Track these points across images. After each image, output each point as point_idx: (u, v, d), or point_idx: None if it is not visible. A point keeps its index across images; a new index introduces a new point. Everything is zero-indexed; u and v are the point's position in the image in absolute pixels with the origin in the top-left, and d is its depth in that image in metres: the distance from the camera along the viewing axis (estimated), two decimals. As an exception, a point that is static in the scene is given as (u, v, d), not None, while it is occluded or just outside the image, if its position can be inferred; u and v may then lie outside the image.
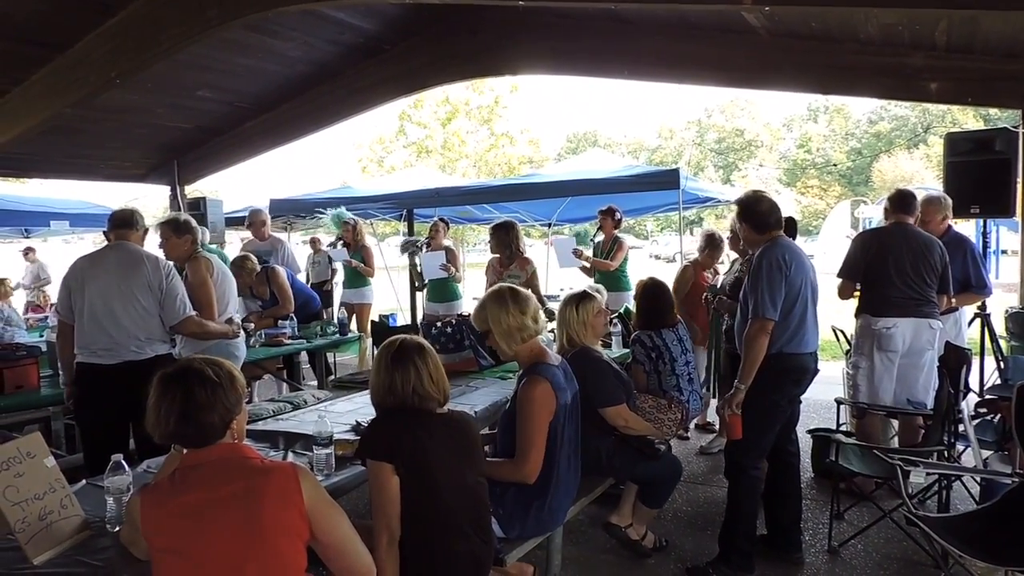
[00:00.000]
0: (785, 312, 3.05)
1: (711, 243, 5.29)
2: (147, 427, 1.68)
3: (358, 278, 7.41)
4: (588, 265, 6.03)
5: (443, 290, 6.64)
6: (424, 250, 6.46)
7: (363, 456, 2.05)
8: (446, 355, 4.01)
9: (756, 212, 3.19)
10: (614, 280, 6.11)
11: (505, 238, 5.25)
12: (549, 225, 10.87)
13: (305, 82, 6.43)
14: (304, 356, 6.07)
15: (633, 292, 4.75)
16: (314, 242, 8.54)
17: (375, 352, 2.23)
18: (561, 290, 7.40)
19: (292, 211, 8.83)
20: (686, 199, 7.33)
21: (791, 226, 3.36)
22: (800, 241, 3.38)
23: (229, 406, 1.69)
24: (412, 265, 6.65)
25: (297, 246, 9.46)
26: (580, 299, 3.32)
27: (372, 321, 6.76)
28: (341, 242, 7.30)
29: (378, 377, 2.10)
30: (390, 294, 9.60)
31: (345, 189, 9.82)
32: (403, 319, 9.38)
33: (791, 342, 3.07)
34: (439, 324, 4.19)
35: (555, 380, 2.49)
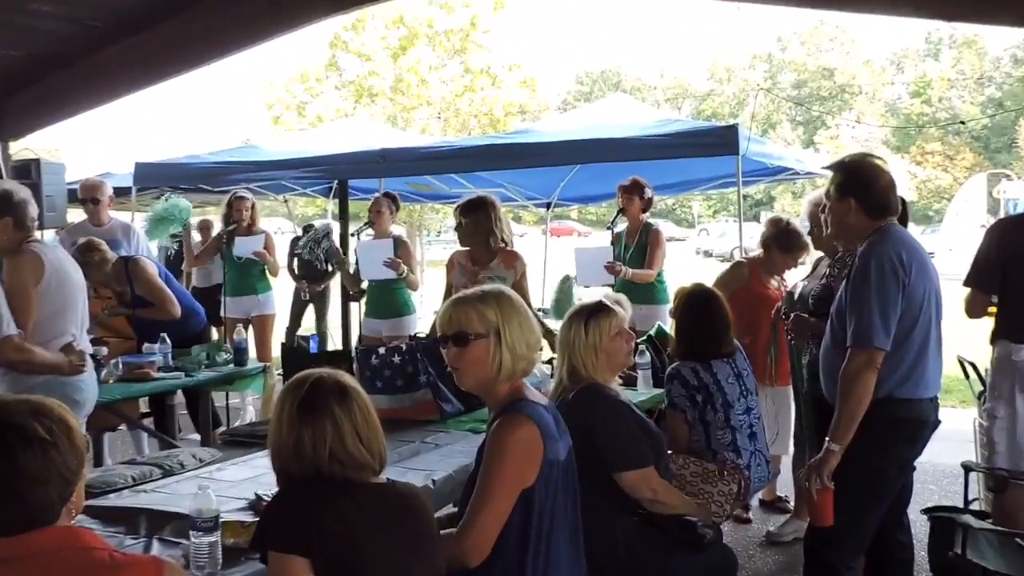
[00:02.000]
0: (900, 339, 3.06)
1: (778, 235, 5.23)
2: None
3: (254, 279, 7.36)
4: (624, 277, 6.10)
5: (388, 299, 6.61)
6: (354, 237, 6.53)
7: (263, 547, 2.04)
8: (392, 396, 4.03)
9: (873, 186, 3.18)
10: (642, 287, 6.10)
11: (484, 222, 5.17)
12: (548, 206, 10.89)
13: (191, -9, 6.35)
14: (181, 397, 6.02)
15: (671, 305, 4.79)
16: (205, 228, 8.50)
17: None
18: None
19: (168, 182, 8.70)
20: (749, 170, 7.30)
21: (902, 211, 3.37)
22: (913, 231, 3.53)
23: (69, 475, 1.70)
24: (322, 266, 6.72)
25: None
26: (591, 313, 3.34)
27: (282, 345, 6.75)
28: (235, 225, 7.34)
29: (279, 434, 2.13)
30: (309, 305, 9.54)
31: (248, 150, 9.69)
32: (330, 342, 9.44)
33: (906, 383, 3.09)
34: (382, 350, 4.19)
35: (544, 423, 2.50)
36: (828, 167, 3.52)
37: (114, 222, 6.76)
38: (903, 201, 3.38)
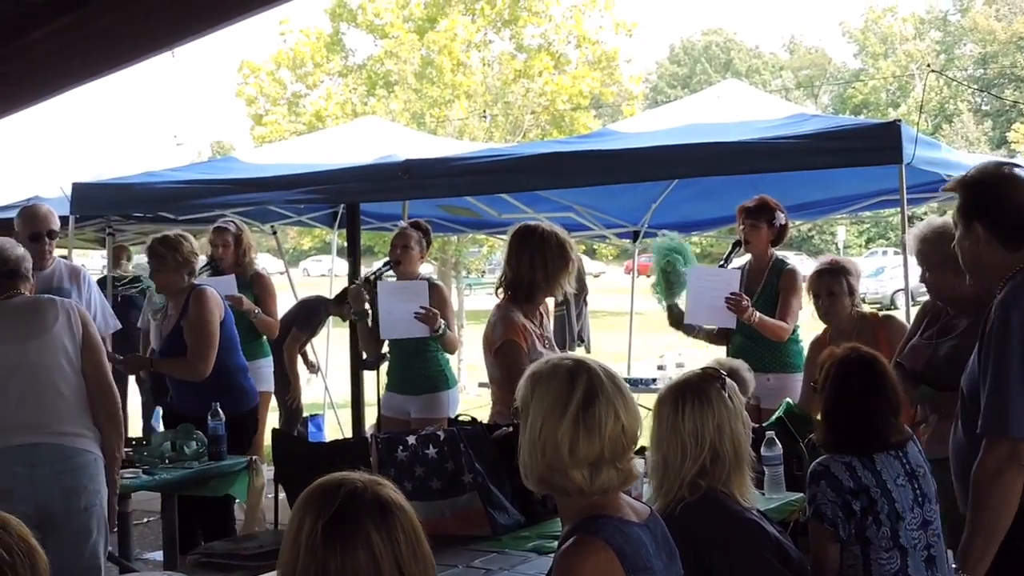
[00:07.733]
0: None
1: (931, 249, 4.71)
2: None
3: (244, 340, 6.77)
4: (750, 320, 5.74)
5: (420, 367, 6.38)
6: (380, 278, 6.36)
7: None
8: (426, 503, 3.96)
9: (1006, 204, 3.15)
10: (768, 349, 5.91)
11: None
12: (636, 236, 10.45)
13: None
14: (144, 500, 5.98)
15: (814, 374, 4.46)
16: None
17: (286, 501, 2.45)
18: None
19: (117, 208, 8.45)
20: (917, 183, 6.75)
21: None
22: None
23: None
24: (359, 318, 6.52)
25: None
26: (717, 381, 3.15)
27: (273, 431, 6.34)
28: (209, 266, 7.05)
29: (294, 559, 2.04)
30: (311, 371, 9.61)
31: (222, 164, 9.45)
32: (335, 425, 9.32)
33: None
34: (412, 440, 4.12)
35: (632, 550, 2.44)
36: (948, 188, 3.43)
37: (58, 263, 6.29)
38: None
